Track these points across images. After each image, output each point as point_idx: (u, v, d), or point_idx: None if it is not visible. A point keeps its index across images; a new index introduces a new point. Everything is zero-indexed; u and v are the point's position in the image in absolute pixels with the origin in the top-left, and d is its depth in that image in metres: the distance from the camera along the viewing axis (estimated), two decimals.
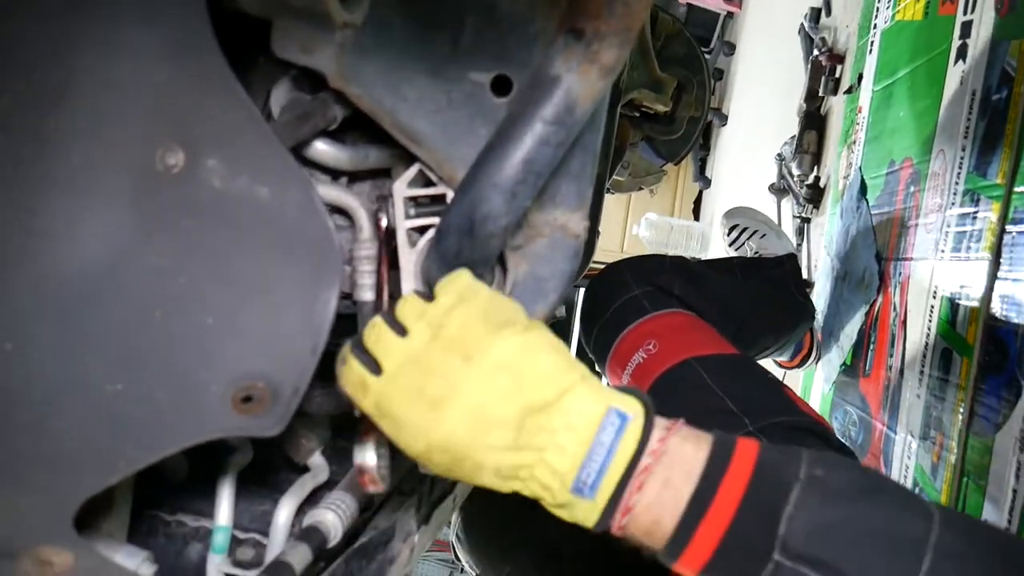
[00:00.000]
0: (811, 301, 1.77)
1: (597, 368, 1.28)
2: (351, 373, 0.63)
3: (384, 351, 0.62)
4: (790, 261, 1.73)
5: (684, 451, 0.60)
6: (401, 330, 0.62)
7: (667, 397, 1.09)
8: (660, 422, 0.62)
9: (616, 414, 0.60)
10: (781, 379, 2.54)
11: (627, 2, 0.61)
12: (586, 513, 0.60)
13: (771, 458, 0.61)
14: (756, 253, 1.94)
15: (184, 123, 0.63)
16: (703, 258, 2.33)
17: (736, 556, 0.58)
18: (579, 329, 1.32)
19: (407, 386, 0.60)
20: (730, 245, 2.08)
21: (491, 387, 0.59)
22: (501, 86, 0.75)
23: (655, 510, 0.59)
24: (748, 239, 2.01)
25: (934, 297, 1.47)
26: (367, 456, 0.72)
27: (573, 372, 0.62)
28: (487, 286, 0.65)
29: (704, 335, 1.19)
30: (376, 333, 0.63)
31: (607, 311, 1.27)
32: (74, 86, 0.62)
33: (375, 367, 0.62)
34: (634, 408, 0.61)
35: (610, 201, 4.72)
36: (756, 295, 1.55)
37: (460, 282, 0.64)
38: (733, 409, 1.05)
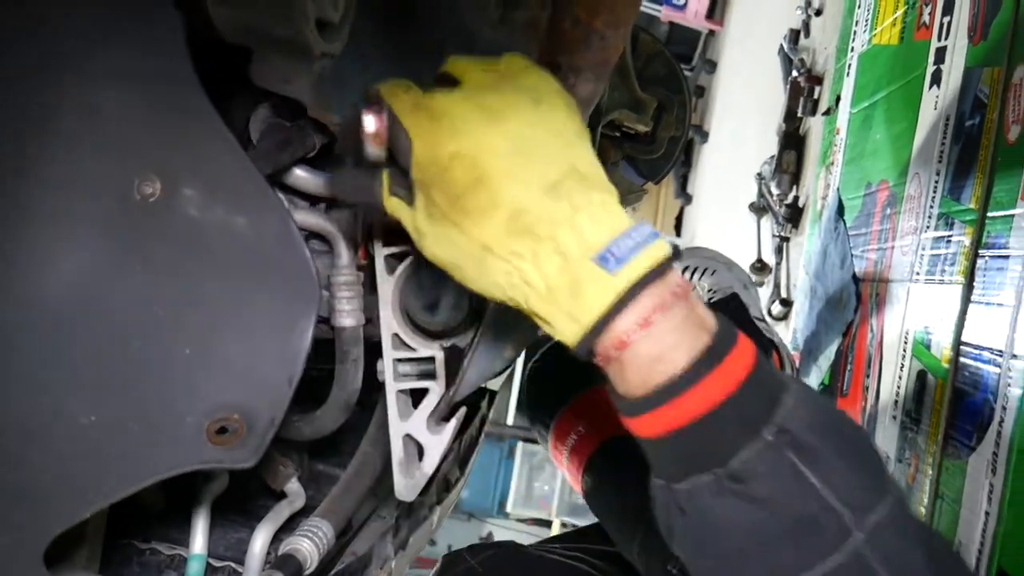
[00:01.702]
0: (764, 333, 1.80)
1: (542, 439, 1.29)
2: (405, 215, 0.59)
3: (464, 71, 0.60)
4: (732, 301, 1.77)
5: (701, 307, 0.56)
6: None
7: (605, 469, 1.09)
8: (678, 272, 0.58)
9: (649, 228, 0.55)
10: None
11: (603, 36, 0.62)
12: (595, 296, 0.52)
13: (765, 361, 0.57)
14: (710, 291, 1.98)
15: (162, 152, 0.63)
16: None
17: (730, 420, 0.53)
18: (520, 414, 1.35)
19: (477, 100, 0.57)
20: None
21: (549, 133, 0.56)
22: None
23: (668, 340, 0.53)
24: (699, 279, 2.05)
25: (909, 320, 1.48)
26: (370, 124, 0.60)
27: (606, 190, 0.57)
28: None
29: None
30: (461, 67, 0.61)
31: (543, 395, 1.28)
32: (55, 114, 0.62)
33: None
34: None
35: None
36: None
37: (521, 61, 0.61)
38: None
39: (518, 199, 0.54)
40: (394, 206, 0.62)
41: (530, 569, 1.21)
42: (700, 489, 0.54)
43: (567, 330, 0.54)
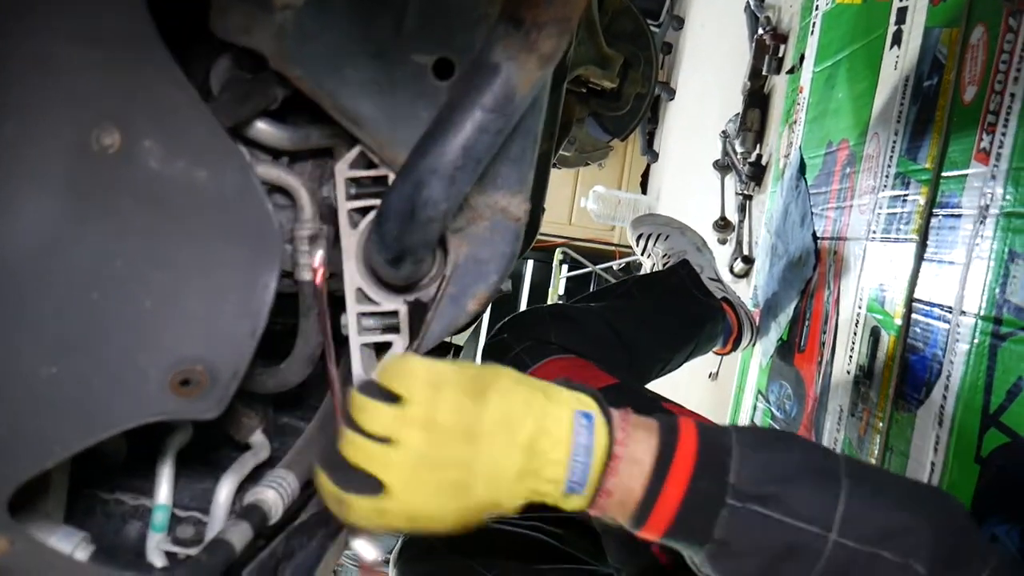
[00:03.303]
0: (717, 292, 1.85)
1: None
2: (358, 504, 0.64)
3: (382, 466, 0.64)
4: (683, 268, 1.85)
5: (639, 435, 0.69)
6: (383, 440, 0.64)
7: None
8: (614, 413, 0.71)
9: (582, 415, 0.68)
10: (716, 369, 2.58)
11: None
12: (578, 503, 0.69)
13: (708, 428, 0.72)
14: (665, 255, 2.05)
15: (120, 103, 0.62)
16: (610, 280, 2.44)
17: (696, 509, 0.68)
18: (489, 345, 1.40)
19: (424, 487, 0.64)
20: (641, 253, 2.18)
21: (496, 450, 0.65)
22: (443, 69, 0.76)
23: (626, 484, 0.68)
24: (654, 245, 2.10)
25: (865, 277, 1.52)
26: (369, 553, 0.74)
27: (537, 394, 0.68)
28: (439, 360, 0.68)
29: (582, 373, 1.26)
30: (359, 450, 0.64)
31: (521, 335, 1.35)
32: (6, 63, 0.61)
33: (372, 485, 0.64)
34: (589, 404, 0.70)
35: (558, 174, 4.73)
36: (658, 309, 1.67)
37: (419, 372, 0.66)
38: None
39: (512, 499, 0.68)
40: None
41: (485, 542, 1.24)
42: (704, 560, 0.70)
43: (571, 506, 0.70)
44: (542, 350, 1.31)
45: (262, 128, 0.77)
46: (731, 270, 2.50)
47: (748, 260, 2.45)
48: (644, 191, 5.45)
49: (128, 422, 0.63)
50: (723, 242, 2.69)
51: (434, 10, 0.74)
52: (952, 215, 1.22)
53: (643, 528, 0.69)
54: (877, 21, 1.61)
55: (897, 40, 1.51)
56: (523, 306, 5.70)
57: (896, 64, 1.49)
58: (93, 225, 0.62)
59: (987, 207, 1.12)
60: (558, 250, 4.79)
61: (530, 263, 5.70)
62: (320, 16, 0.72)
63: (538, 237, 1.62)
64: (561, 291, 4.84)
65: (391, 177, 0.77)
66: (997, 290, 1.08)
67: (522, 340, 1.34)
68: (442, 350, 1.14)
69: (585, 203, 4.63)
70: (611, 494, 0.68)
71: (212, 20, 0.70)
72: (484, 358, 1.41)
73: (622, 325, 1.50)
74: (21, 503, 0.61)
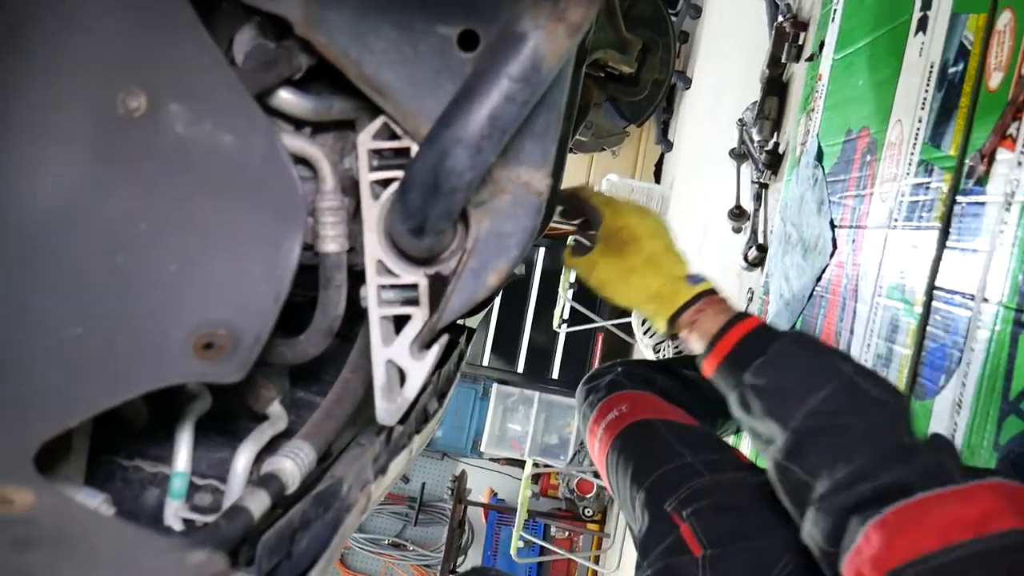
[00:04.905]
0: None
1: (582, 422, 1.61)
2: (578, 263, 1.22)
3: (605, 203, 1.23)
4: None
5: (724, 305, 1.14)
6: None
7: (632, 440, 1.38)
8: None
9: (700, 273, 1.18)
10: None
11: None
12: (684, 294, 1.13)
13: (768, 328, 1.09)
14: (677, 346, 2.19)
15: (147, 67, 0.62)
16: None
17: (750, 344, 1.05)
18: (579, 393, 1.62)
19: (632, 206, 1.21)
20: (649, 339, 2.31)
21: (661, 226, 1.21)
22: (468, 41, 0.75)
23: (709, 322, 1.11)
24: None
25: (885, 265, 1.51)
26: None
27: (684, 266, 1.18)
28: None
29: (670, 410, 1.45)
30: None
31: (598, 379, 1.59)
32: (32, 25, 0.61)
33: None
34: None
35: (572, 161, 4.72)
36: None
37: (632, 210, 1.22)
38: (681, 451, 1.29)
39: (652, 250, 1.16)
40: (573, 263, 1.24)
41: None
42: (750, 374, 1.02)
43: (663, 313, 1.15)
44: (643, 385, 1.55)
45: (285, 97, 0.76)
46: (745, 258, 2.49)
47: (763, 248, 2.44)
48: (658, 180, 5.43)
49: (152, 384, 0.63)
50: (738, 231, 2.68)
51: None
52: (976, 203, 1.21)
53: (711, 353, 1.08)
54: (902, 7, 1.59)
55: (923, 26, 1.49)
56: (535, 291, 5.70)
57: (921, 51, 1.48)
58: (118, 188, 0.62)
59: (1012, 194, 1.11)
60: (570, 238, 4.78)
61: (541, 251, 5.70)
62: None
63: (551, 224, 1.62)
64: (572, 279, 4.83)
65: (414, 148, 0.77)
66: (1021, 278, 1.07)
67: (630, 376, 1.60)
68: (456, 331, 1.14)
69: (598, 191, 4.62)
70: (700, 318, 1.12)
71: None
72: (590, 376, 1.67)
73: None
74: (44, 464, 0.61)
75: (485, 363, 5.91)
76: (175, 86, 0.62)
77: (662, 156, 5.37)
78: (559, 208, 1.31)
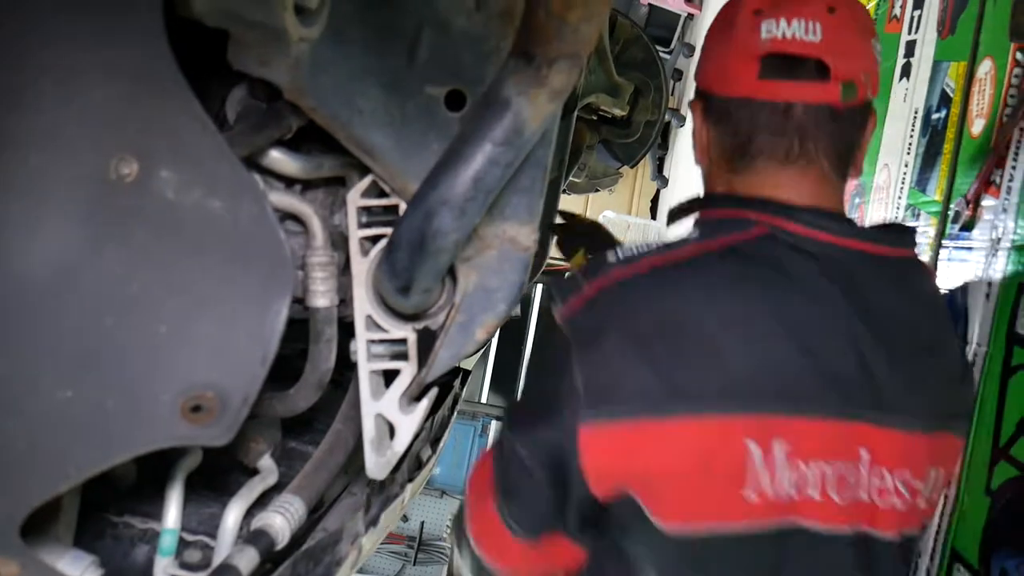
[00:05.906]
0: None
1: None
2: None
3: None
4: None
5: None
6: None
7: None
8: None
9: None
10: None
11: (577, 28, 0.63)
12: None
13: None
14: None
15: (139, 134, 0.64)
16: None
17: None
18: None
19: None
20: None
21: None
22: (455, 101, 0.77)
23: None
24: None
25: None
26: None
27: None
28: None
29: None
30: None
31: None
32: (32, 92, 0.62)
33: None
34: None
35: (568, 198, 4.75)
36: None
37: None
38: None
39: None
40: None
41: None
42: None
43: None
44: None
45: (276, 157, 0.78)
46: None
47: None
48: (654, 216, 5.45)
49: (141, 448, 0.64)
50: None
51: (446, 43, 0.76)
52: (962, 247, 1.23)
53: None
54: (886, 53, 1.62)
55: (906, 72, 1.52)
56: (531, 331, 5.69)
57: (905, 96, 1.50)
58: (109, 252, 0.63)
59: (999, 240, 1.12)
60: (567, 274, 4.79)
61: (539, 287, 5.71)
62: (335, 49, 0.73)
63: (548, 261, 1.62)
64: None
65: (402, 206, 0.78)
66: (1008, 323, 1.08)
67: None
68: (451, 374, 1.15)
69: None
70: None
71: (230, 53, 0.71)
72: None
73: None
74: (32, 525, 0.61)
75: (483, 399, 5.90)
76: (166, 153, 0.64)
77: (658, 192, 5.41)
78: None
